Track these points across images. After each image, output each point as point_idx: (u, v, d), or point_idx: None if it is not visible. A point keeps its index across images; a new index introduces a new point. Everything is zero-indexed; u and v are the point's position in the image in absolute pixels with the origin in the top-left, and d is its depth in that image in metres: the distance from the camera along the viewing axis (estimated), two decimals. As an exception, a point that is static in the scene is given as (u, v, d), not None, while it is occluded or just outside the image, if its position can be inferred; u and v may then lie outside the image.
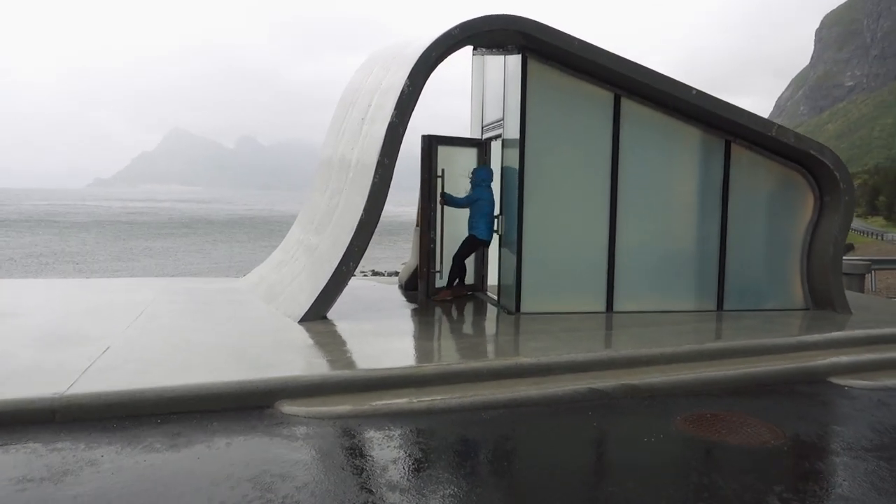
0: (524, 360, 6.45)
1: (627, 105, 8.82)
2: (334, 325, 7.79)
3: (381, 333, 7.43)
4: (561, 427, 5.40)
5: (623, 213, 8.91)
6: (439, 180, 9.69)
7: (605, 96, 8.79)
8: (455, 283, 9.86)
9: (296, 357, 6.31)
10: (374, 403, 5.54)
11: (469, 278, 10.30)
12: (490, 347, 7.12)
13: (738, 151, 9.15)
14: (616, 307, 8.97)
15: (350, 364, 6.19)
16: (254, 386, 5.50)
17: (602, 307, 8.96)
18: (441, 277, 9.95)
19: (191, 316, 8.16)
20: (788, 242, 9.34)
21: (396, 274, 19.70)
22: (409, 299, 9.78)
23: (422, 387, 5.95)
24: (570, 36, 8.13)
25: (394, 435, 5.01)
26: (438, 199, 9.62)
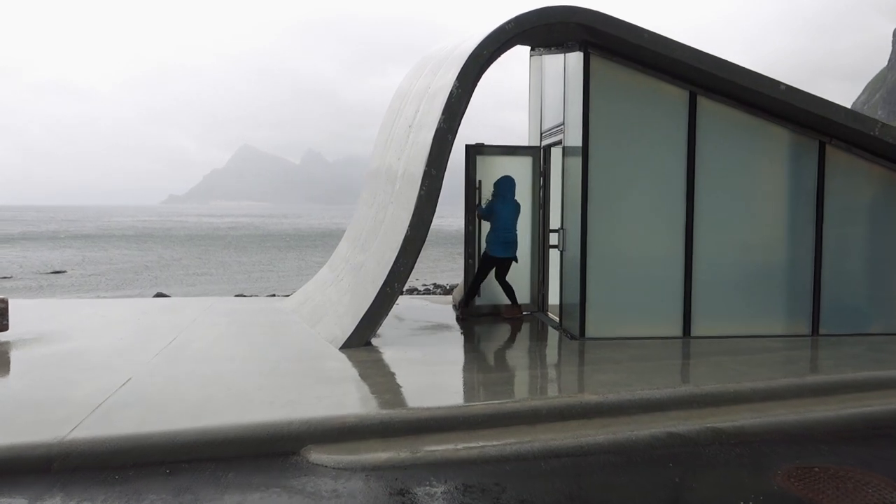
0: (590, 397, 5.57)
1: (705, 104, 7.85)
2: (378, 353, 7.07)
3: (429, 363, 6.66)
4: (636, 483, 4.50)
5: (701, 225, 7.92)
6: (476, 192, 9.02)
7: (678, 95, 7.84)
8: (509, 305, 9.10)
9: (330, 392, 5.59)
10: (416, 450, 4.76)
11: (524, 298, 9.46)
12: (550, 381, 6.26)
13: (834, 154, 8.05)
14: (694, 331, 7.97)
15: (390, 402, 5.43)
16: (276, 430, 4.80)
17: (678, 331, 7.97)
18: (479, 295, 9.22)
19: (227, 341, 7.57)
20: (894, 257, 8.15)
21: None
22: (462, 321, 9.00)
23: (472, 430, 5.14)
24: (637, 27, 7.25)
25: (436, 493, 4.22)
26: (476, 212, 9.18)
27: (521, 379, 6.23)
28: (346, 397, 5.47)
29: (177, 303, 10.90)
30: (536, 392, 5.78)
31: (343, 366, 6.46)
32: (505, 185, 8.92)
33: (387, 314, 7.34)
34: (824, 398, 6.10)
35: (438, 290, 29.13)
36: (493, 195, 8.96)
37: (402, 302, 10.57)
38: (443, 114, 7.15)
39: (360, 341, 7.25)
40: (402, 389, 5.75)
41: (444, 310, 9.93)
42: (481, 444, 4.91)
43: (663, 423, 5.40)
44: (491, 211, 8.92)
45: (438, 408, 5.22)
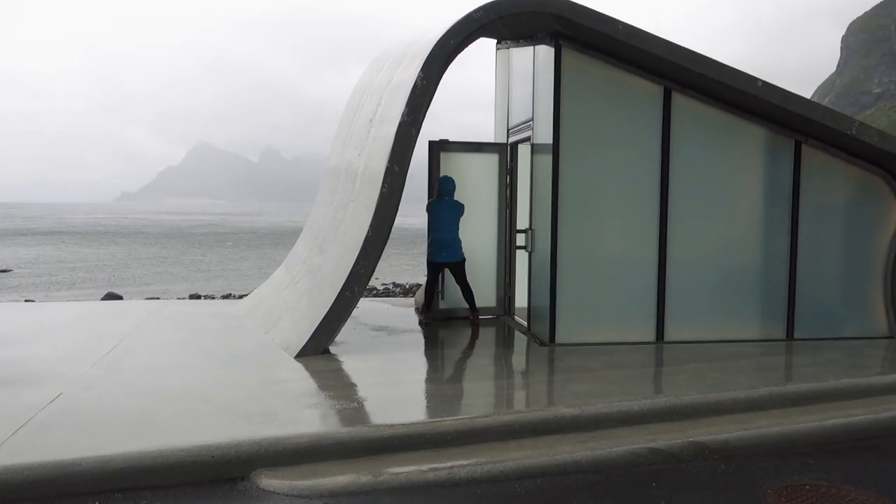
0: (565, 410, 5.19)
1: (680, 100, 7.56)
2: (336, 361, 6.60)
3: (391, 372, 6.22)
4: (619, 507, 4.13)
5: (675, 226, 7.63)
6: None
7: (653, 90, 7.53)
8: (429, 308, 8.74)
9: (284, 407, 5.10)
10: (378, 473, 4.31)
11: (489, 301, 9.06)
12: (521, 393, 5.86)
13: (810, 153, 7.82)
14: (668, 336, 7.67)
15: (350, 418, 4.97)
16: (222, 452, 4.30)
17: (651, 336, 7.66)
18: (443, 298, 8.79)
19: (173, 349, 7.01)
20: (870, 259, 7.97)
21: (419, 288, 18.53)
22: (425, 325, 8.56)
23: (440, 448, 4.72)
24: (612, 18, 6.91)
25: (400, 524, 3.79)
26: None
27: (491, 390, 5.81)
28: (302, 413, 4.99)
29: (123, 306, 10.26)
30: (507, 405, 5.38)
31: (298, 376, 5.97)
32: (443, 185, 8.45)
33: (346, 320, 6.87)
34: (806, 407, 5.83)
35: (398, 290, 28.66)
36: (436, 194, 8.52)
37: (362, 304, 10.09)
38: (406, 106, 6.70)
39: (318, 349, 6.77)
40: (363, 403, 5.29)
41: (405, 313, 9.48)
42: (450, 464, 4.49)
43: (643, 437, 5.05)
44: (429, 211, 8.50)
45: (403, 424, 4.78)
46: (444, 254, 8.40)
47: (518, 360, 7.13)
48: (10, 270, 40.49)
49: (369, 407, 5.20)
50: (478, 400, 5.44)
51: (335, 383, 5.86)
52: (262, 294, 9.50)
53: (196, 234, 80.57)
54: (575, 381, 5.96)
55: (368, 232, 6.73)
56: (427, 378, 6.16)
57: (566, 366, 6.55)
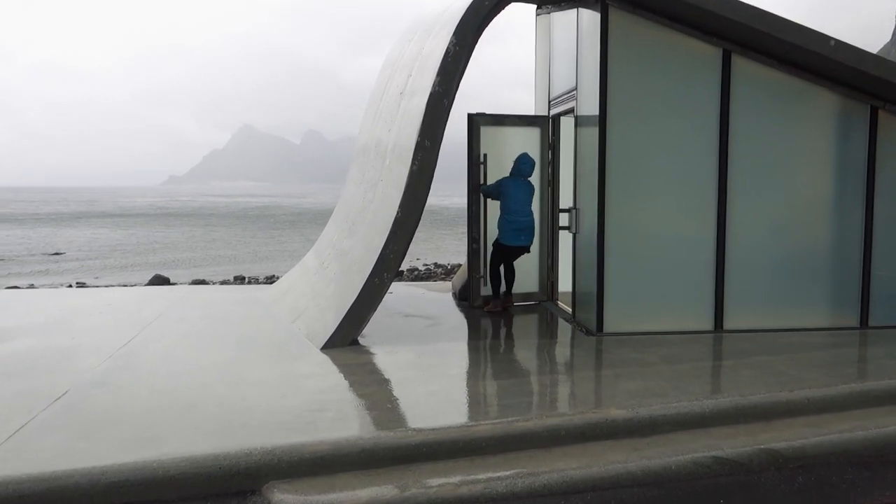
0: (617, 412, 4.61)
1: (741, 64, 6.82)
2: (365, 354, 6.12)
3: (423, 367, 5.70)
4: (682, 532, 3.56)
5: (735, 203, 6.93)
6: (481, 167, 8.00)
7: (710, 53, 6.81)
8: (502, 293, 8.10)
9: (303, 408, 4.63)
10: (405, 487, 3.82)
11: (530, 286, 8.48)
12: (566, 390, 5.28)
13: (887, 120, 7.01)
14: (727, 324, 7.00)
15: (375, 421, 4.48)
16: (231, 463, 3.84)
17: (709, 325, 7.00)
18: (485, 284, 8.21)
19: (191, 341, 6.61)
20: (955, 237, 7.16)
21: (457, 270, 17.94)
22: (463, 314, 8.03)
23: (475, 456, 4.20)
24: (666, -27, 6.20)
25: (428, 552, 3.28)
26: (480, 191, 8.16)
27: (532, 388, 5.25)
28: (322, 416, 4.51)
29: (152, 292, 9.95)
30: (551, 405, 4.82)
31: (322, 371, 5.50)
32: (522, 165, 7.85)
33: (375, 308, 6.37)
34: (891, 408, 5.15)
35: (440, 270, 28.20)
36: (511, 172, 7.91)
37: (396, 289, 9.61)
38: (437, 75, 6.13)
39: (345, 340, 6.30)
40: (390, 404, 4.78)
41: (442, 299, 8.96)
42: (486, 476, 3.97)
43: (706, 443, 4.46)
44: (499, 190, 7.91)
45: (433, 430, 4.27)
46: (524, 237, 7.88)
47: (562, 352, 6.55)
48: (62, 253, 41.16)
49: (396, 408, 4.69)
50: (518, 399, 4.89)
51: (361, 379, 5.37)
52: (292, 279, 9.08)
53: (244, 216, 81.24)
54: (626, 378, 5.37)
55: (398, 213, 6.20)
56: (461, 373, 5.62)
57: (616, 359, 5.95)
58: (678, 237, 6.95)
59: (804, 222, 7.12)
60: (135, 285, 22.41)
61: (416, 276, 25.84)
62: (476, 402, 4.85)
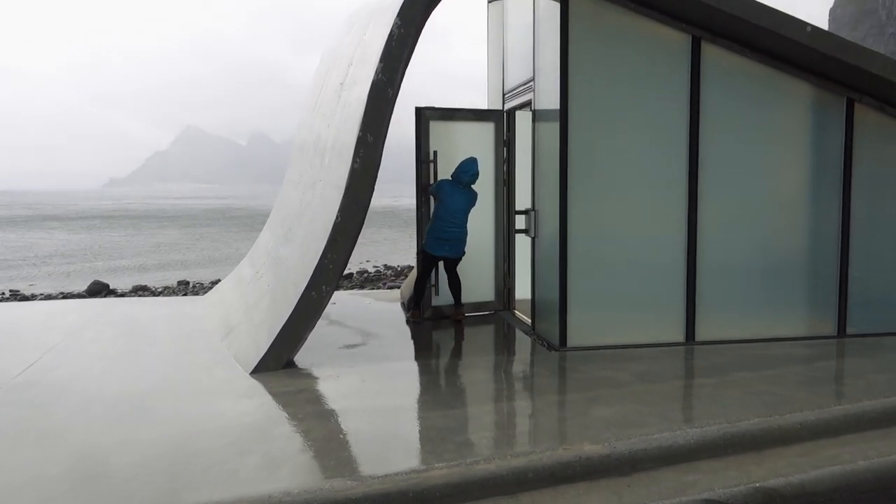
0: (591, 448, 3.97)
1: (711, 52, 6.29)
2: (302, 379, 5.36)
3: (367, 394, 4.98)
4: None
5: (706, 203, 6.39)
6: (430, 166, 7.33)
7: (678, 41, 6.25)
8: (452, 305, 7.49)
9: (222, 453, 3.86)
10: (340, 555, 3.10)
11: (485, 294, 7.83)
12: (531, 422, 4.59)
13: (864, 114, 6.57)
14: (700, 335, 6.46)
15: (309, 467, 3.74)
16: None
17: (680, 335, 6.45)
18: (437, 293, 7.54)
19: (103, 365, 5.76)
20: (935, 238, 6.77)
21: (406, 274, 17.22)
22: (411, 327, 7.32)
23: (427, 508, 3.51)
24: (632, -50, 5.61)
25: None
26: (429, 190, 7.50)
27: (491, 419, 4.56)
28: (245, 461, 3.75)
29: (68, 306, 8.99)
30: (515, 441, 4.15)
31: (248, 406, 4.72)
32: (465, 169, 7.12)
33: (313, 326, 5.62)
34: (889, 430, 4.65)
35: (390, 273, 27.44)
36: (451, 175, 7.23)
37: (340, 298, 8.86)
38: (381, 61, 5.41)
39: (279, 362, 5.54)
40: (328, 444, 4.04)
41: (390, 310, 8.23)
42: (441, 535, 3.28)
43: (694, 479, 3.86)
44: (436, 193, 7.22)
45: (378, 478, 3.55)
46: (447, 248, 7.15)
47: (523, 371, 5.90)
48: (-11, 261, 38.94)
49: (335, 449, 3.95)
50: (476, 435, 4.21)
51: (295, 412, 4.61)
52: (223, 291, 8.24)
53: (192, 218, 78.68)
54: (598, 402, 4.74)
55: (337, 217, 5.47)
56: (411, 402, 4.89)
57: (584, 379, 5.33)
58: (646, 240, 6.38)
59: (778, 222, 6.62)
60: (74, 292, 21.08)
61: (366, 278, 25.04)
62: (428, 439, 4.14)
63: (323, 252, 5.49)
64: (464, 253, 7.30)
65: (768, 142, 6.53)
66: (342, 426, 4.32)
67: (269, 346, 5.51)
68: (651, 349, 6.20)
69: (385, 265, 31.37)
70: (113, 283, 23.81)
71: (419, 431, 4.26)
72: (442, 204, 7.11)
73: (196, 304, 8.41)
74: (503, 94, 8.10)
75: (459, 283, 7.36)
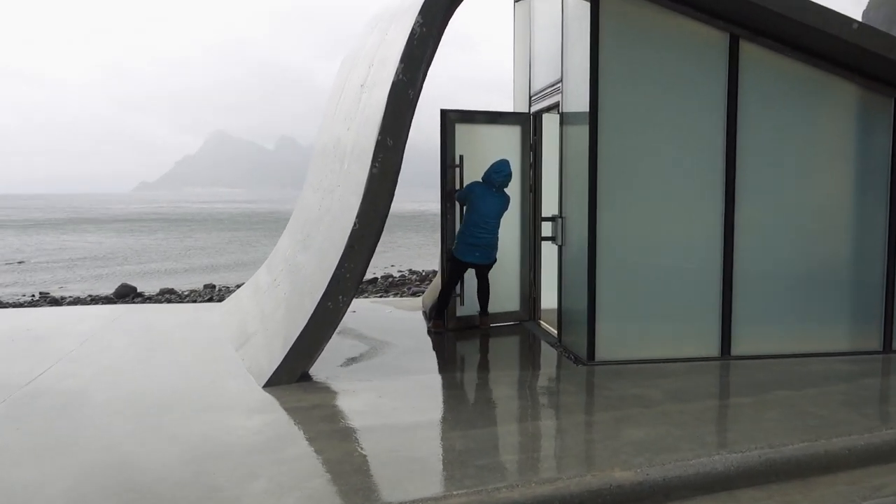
0: (623, 475, 3.68)
1: (750, 51, 5.97)
2: (317, 393, 5.13)
3: (384, 411, 4.73)
4: None
5: (744, 210, 6.07)
6: (456, 171, 7.08)
7: (716, 39, 5.95)
8: (478, 313, 7.25)
9: (228, 476, 3.64)
10: None
11: (510, 304, 7.55)
12: (557, 444, 4.30)
13: (913, 116, 6.22)
14: (735, 349, 6.13)
15: (318, 495, 3.49)
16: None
17: (715, 350, 6.13)
18: (462, 303, 7.26)
19: (114, 375, 5.58)
20: None
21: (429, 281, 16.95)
22: (433, 337, 7.07)
23: (444, 540, 3.25)
24: (666, -56, 5.32)
25: None
26: (455, 196, 7.22)
27: (516, 441, 4.29)
28: (250, 487, 3.52)
29: (82, 313, 8.86)
30: (541, 466, 3.87)
31: (259, 422, 4.49)
32: (497, 171, 6.85)
33: (329, 337, 5.39)
34: (948, 456, 4.29)
35: (415, 277, 27.25)
36: (482, 178, 6.95)
37: (360, 307, 8.64)
38: (401, 62, 5.18)
39: (293, 375, 5.32)
40: (341, 468, 3.80)
41: (411, 319, 7.99)
42: (459, 572, 3.01)
43: (735, 513, 3.55)
44: (467, 196, 6.97)
45: (391, 507, 3.30)
46: (479, 254, 6.87)
47: (549, 387, 5.60)
48: (23, 262, 39.44)
49: (348, 473, 3.71)
50: (499, 458, 3.94)
51: (307, 430, 4.38)
52: (241, 298, 8.06)
53: (221, 222, 79.23)
54: (629, 423, 4.45)
55: (355, 224, 5.24)
56: (431, 420, 4.62)
57: (613, 396, 5.03)
58: (680, 249, 6.07)
59: (820, 230, 6.28)
60: (102, 295, 21.17)
61: (391, 283, 24.87)
62: (448, 462, 3.88)
63: (340, 261, 5.26)
64: (495, 259, 7.03)
65: (810, 145, 6.19)
66: (357, 447, 4.08)
67: (283, 359, 5.29)
68: (683, 364, 5.89)
69: (410, 270, 31.18)
70: (141, 286, 23.90)
71: (438, 454, 4.00)
72: (473, 208, 6.84)
73: (213, 312, 8.23)
74: (529, 97, 7.83)
75: (488, 291, 7.10)
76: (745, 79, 5.98)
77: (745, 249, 6.09)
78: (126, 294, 20.38)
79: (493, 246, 6.93)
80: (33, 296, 23.00)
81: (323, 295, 5.26)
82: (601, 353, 5.96)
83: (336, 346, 6.28)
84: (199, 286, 26.31)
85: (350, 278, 5.28)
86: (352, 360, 6.07)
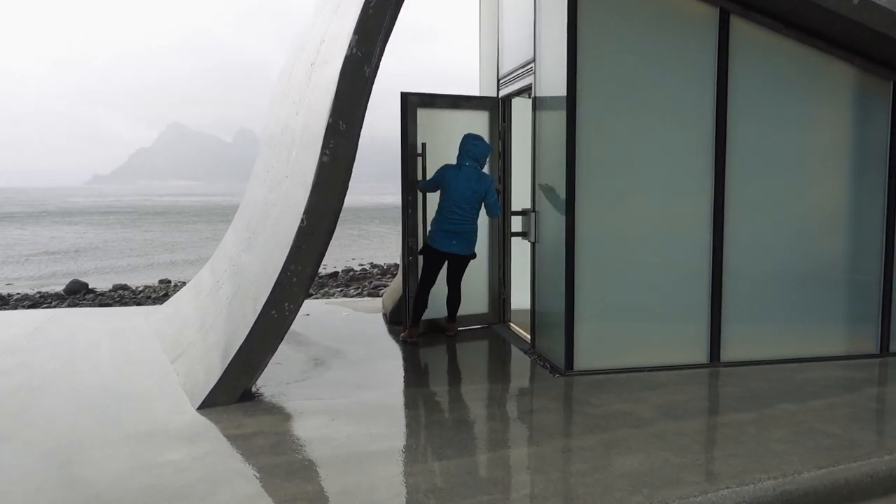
0: (620, 518, 3.09)
1: (741, 28, 5.43)
2: (258, 416, 4.45)
3: (338, 440, 4.05)
4: None
5: (734, 203, 5.55)
6: (419, 160, 6.43)
7: (704, 15, 5.40)
8: (445, 318, 6.61)
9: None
10: None
11: (478, 306, 6.95)
12: (539, 479, 3.64)
13: (913, 101, 5.76)
14: (725, 355, 5.61)
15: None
16: None
17: (703, 356, 5.60)
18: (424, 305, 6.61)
19: (23, 398, 4.83)
20: None
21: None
22: (394, 344, 6.43)
23: None
24: None
25: None
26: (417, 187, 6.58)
27: (490, 475, 3.64)
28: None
29: (9, 318, 8.00)
30: (522, 506, 3.26)
31: (190, 455, 3.80)
32: (469, 146, 6.18)
33: (274, 350, 4.71)
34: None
35: (376, 271, 26.53)
36: (456, 160, 6.26)
37: (313, 308, 7.95)
38: (354, 33, 4.50)
39: (233, 394, 4.63)
40: (282, 514, 3.14)
41: (370, 322, 7.33)
42: None
43: (752, 563, 2.99)
44: (439, 180, 6.25)
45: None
46: (456, 243, 6.16)
47: (525, 404, 4.96)
48: (-42, 263, 37.60)
49: (289, 524, 3.05)
50: (468, 501, 3.31)
51: (242, 466, 3.69)
52: (180, 302, 7.30)
53: (181, 215, 77.06)
54: (620, 448, 3.86)
55: (302, 221, 4.56)
56: (390, 450, 3.96)
57: (599, 414, 4.44)
58: (666, 244, 5.52)
59: (814, 224, 5.79)
60: (51, 292, 20.00)
61: (352, 276, 24.10)
62: (414, 500, 3.24)
63: (285, 263, 4.58)
64: (475, 254, 6.36)
65: (805, 132, 5.69)
66: (303, 488, 3.41)
67: (221, 376, 4.60)
68: (671, 373, 5.35)
69: (371, 263, 30.38)
70: (93, 283, 22.76)
71: (401, 496, 3.35)
72: (446, 192, 6.15)
73: (150, 317, 7.45)
74: (498, 80, 7.21)
75: (460, 298, 6.45)
76: (736, 59, 5.44)
77: (734, 245, 5.58)
78: (77, 290, 19.30)
79: (472, 234, 6.25)
80: (-24, 294, 21.72)
81: (266, 302, 4.57)
82: (580, 361, 5.38)
83: (284, 358, 5.61)
84: (154, 281, 25.22)
85: (297, 283, 4.60)
86: (302, 375, 5.38)
